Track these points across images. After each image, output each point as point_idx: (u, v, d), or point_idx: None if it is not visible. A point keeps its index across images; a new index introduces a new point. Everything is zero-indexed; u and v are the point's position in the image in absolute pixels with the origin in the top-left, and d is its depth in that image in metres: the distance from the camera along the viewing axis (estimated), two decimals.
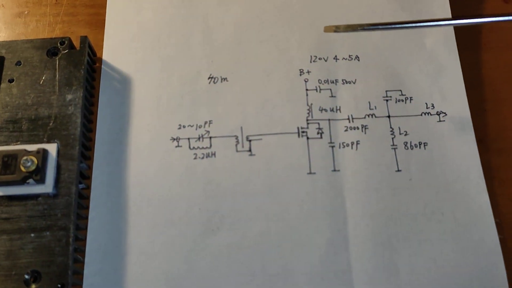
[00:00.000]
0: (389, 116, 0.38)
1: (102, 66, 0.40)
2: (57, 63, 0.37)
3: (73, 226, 0.33)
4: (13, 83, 0.36)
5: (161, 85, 0.39)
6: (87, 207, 0.36)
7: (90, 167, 0.37)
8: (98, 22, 0.42)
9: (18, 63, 0.37)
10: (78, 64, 0.37)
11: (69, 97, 0.36)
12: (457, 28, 0.40)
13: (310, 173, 0.36)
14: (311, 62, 0.40)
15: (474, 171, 0.36)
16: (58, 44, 0.38)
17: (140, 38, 0.41)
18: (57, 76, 0.37)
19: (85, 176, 0.36)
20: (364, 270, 0.34)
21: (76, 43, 0.38)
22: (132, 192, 0.36)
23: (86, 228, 0.35)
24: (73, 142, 0.35)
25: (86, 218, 0.35)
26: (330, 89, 0.39)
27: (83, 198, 0.35)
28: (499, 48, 0.40)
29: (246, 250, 0.35)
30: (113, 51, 0.41)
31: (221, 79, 0.40)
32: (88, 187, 0.36)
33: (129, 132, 0.38)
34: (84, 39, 0.38)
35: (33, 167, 0.33)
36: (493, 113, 0.38)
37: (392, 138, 0.37)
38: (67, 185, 0.34)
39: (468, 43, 0.40)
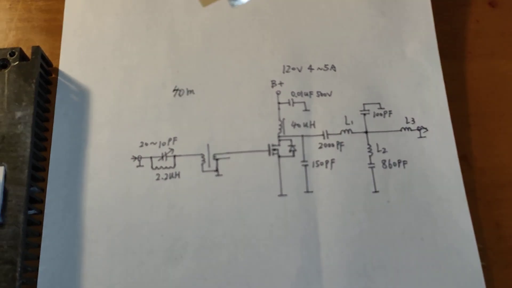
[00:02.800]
0: (366, 132, 0.36)
1: (59, 77, 0.37)
2: (6, 76, 0.34)
3: (20, 259, 0.30)
4: None
5: (122, 98, 0.37)
6: (40, 235, 0.33)
7: (44, 190, 0.34)
8: (55, 28, 0.39)
9: None
10: (29, 77, 0.34)
11: (18, 114, 0.33)
12: (439, 36, 0.38)
13: (281, 194, 0.34)
14: (284, 72, 0.37)
15: (456, 192, 0.34)
16: (8, 56, 0.35)
17: (100, 46, 0.38)
18: (6, 91, 0.34)
19: (36, 201, 0.33)
20: None
21: (30, 53, 0.35)
22: (89, 217, 0.33)
23: (38, 258, 0.32)
24: (22, 165, 0.32)
25: (38, 246, 0.33)
26: (304, 102, 0.36)
27: (35, 224, 0.33)
28: (484, 57, 0.38)
29: (211, 280, 0.32)
30: (71, 61, 0.38)
31: (187, 91, 0.37)
32: (41, 212, 0.33)
33: (87, 150, 0.35)
34: (36, 50, 0.35)
35: None
36: (477, 128, 0.36)
37: (370, 156, 0.35)
38: (15, 213, 0.31)
39: (451, 51, 0.38)
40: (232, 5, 0.29)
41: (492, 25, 0.39)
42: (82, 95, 0.37)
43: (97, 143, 0.35)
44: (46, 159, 0.35)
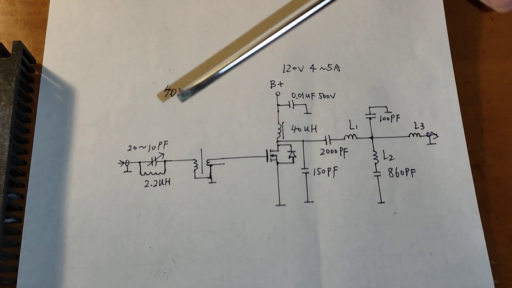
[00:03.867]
0: (372, 137, 0.33)
1: (42, 74, 0.34)
2: None
3: None
4: None
5: (109, 98, 0.34)
6: (18, 245, 0.30)
7: (23, 197, 0.32)
8: (40, 22, 0.36)
9: None
10: (9, 74, 0.32)
11: None
12: (451, 35, 0.35)
13: (279, 204, 0.32)
14: (284, 72, 0.35)
15: (468, 204, 0.31)
16: None
17: (87, 42, 0.35)
18: None
19: (15, 208, 0.31)
20: None
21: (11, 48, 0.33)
22: (72, 227, 0.31)
23: (16, 270, 0.30)
24: None
25: (17, 257, 0.30)
26: (305, 104, 0.34)
27: (12, 234, 0.30)
28: (499, 58, 0.35)
29: None
30: (55, 57, 0.35)
31: (180, 91, 0.34)
32: (20, 221, 0.31)
33: (70, 154, 0.33)
34: (17, 45, 0.33)
35: None
36: (491, 134, 0.33)
37: (375, 164, 0.32)
38: None
39: (464, 51, 0.35)
40: (181, 100, 0.28)
41: (508, 24, 0.36)
42: (66, 94, 0.34)
43: (81, 146, 0.33)
44: (26, 163, 0.32)
